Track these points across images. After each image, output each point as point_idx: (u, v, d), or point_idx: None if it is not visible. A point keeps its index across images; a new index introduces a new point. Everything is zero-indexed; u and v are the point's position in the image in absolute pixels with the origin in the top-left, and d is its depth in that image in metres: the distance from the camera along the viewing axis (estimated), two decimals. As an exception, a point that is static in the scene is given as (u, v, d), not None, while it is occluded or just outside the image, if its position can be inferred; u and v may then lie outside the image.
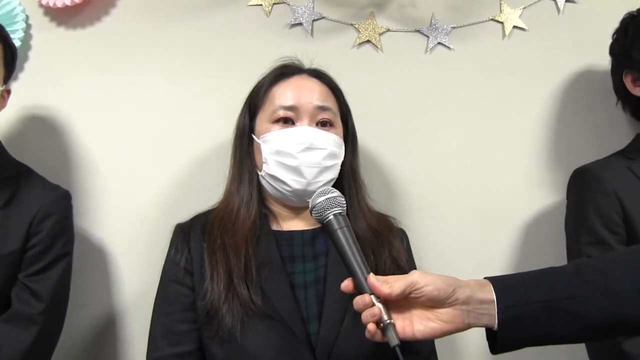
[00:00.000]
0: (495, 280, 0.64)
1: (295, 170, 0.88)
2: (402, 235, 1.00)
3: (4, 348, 0.92)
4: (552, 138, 1.26)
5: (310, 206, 0.73)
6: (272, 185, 0.92)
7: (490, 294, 0.63)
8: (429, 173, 1.25)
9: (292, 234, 0.92)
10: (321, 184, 0.90)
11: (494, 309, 0.62)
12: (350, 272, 0.67)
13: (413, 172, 1.24)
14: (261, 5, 1.24)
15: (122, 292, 1.19)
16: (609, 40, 1.17)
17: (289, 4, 1.24)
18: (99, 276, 1.19)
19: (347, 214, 0.72)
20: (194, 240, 0.91)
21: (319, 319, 0.85)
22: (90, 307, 1.18)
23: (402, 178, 1.25)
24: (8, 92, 1.05)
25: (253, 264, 0.86)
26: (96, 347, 1.19)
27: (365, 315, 0.63)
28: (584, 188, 1.05)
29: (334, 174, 0.92)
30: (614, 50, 1.14)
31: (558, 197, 1.23)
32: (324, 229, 0.71)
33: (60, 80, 1.23)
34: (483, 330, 0.66)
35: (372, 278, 0.64)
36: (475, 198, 1.24)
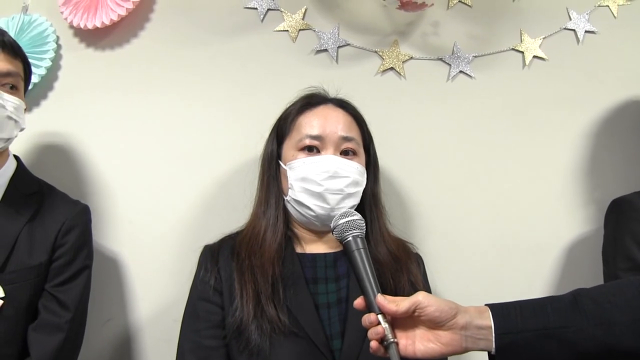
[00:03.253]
0: (494, 308, 0.68)
1: (320, 197, 0.91)
2: (419, 260, 1.03)
3: (34, 354, 0.96)
4: (573, 167, 1.28)
5: (332, 226, 0.78)
6: (296, 210, 0.95)
7: (488, 320, 0.67)
8: (448, 199, 1.26)
9: (315, 256, 0.95)
10: (343, 210, 0.91)
11: (491, 335, 0.66)
12: (362, 291, 0.72)
13: (432, 198, 1.26)
14: (287, 31, 1.27)
15: (144, 308, 1.21)
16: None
17: (314, 30, 1.27)
18: (123, 292, 1.21)
19: (368, 239, 0.78)
20: (222, 260, 0.94)
21: (342, 336, 0.88)
22: (115, 321, 1.20)
23: (421, 203, 1.26)
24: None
25: (280, 284, 0.89)
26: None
27: (370, 333, 0.69)
28: (621, 217, 1.07)
29: (356, 200, 0.95)
30: None
31: (581, 228, 1.25)
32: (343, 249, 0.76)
33: (88, 99, 1.26)
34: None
35: (380, 297, 0.69)
36: (495, 226, 1.26)
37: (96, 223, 1.17)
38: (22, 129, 1.02)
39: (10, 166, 1.04)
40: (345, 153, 0.95)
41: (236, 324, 0.86)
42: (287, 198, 0.95)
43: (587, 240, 1.25)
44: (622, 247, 1.03)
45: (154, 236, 1.21)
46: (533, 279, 1.25)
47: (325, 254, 0.95)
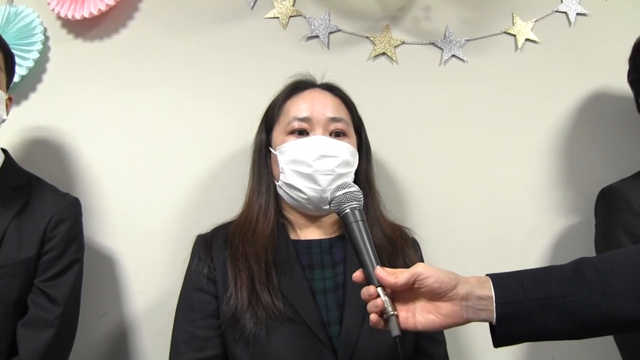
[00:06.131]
0: (495, 278, 0.67)
1: (310, 178, 0.90)
2: (416, 245, 1.02)
3: (23, 351, 0.94)
4: (565, 149, 1.27)
5: (329, 198, 0.76)
6: (288, 194, 0.94)
7: (489, 290, 0.66)
8: (442, 184, 1.25)
9: (310, 243, 0.94)
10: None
11: (492, 305, 0.65)
12: (361, 264, 0.70)
13: (426, 183, 1.25)
14: (278, 18, 1.26)
15: (139, 301, 1.19)
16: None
17: (305, 17, 1.26)
18: (117, 286, 1.19)
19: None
20: (215, 249, 0.92)
21: (340, 322, 0.87)
22: (110, 315, 1.18)
23: (415, 189, 1.25)
24: (10, 99, 1.06)
25: (274, 271, 0.88)
26: (114, 354, 1.18)
27: (369, 306, 0.67)
28: (611, 207, 1.05)
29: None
30: (630, 77, 1.12)
31: (577, 211, 1.25)
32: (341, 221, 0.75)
33: (78, 91, 1.24)
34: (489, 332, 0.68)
35: (379, 269, 0.68)
36: (488, 209, 1.25)
37: (88, 217, 1.15)
38: (3, 120, 0.99)
39: None
40: (335, 134, 0.94)
41: (231, 312, 0.85)
42: (279, 183, 0.94)
43: (583, 223, 1.24)
44: (615, 239, 1.02)
45: (147, 229, 1.19)
46: (529, 264, 1.24)
47: (320, 240, 0.94)
